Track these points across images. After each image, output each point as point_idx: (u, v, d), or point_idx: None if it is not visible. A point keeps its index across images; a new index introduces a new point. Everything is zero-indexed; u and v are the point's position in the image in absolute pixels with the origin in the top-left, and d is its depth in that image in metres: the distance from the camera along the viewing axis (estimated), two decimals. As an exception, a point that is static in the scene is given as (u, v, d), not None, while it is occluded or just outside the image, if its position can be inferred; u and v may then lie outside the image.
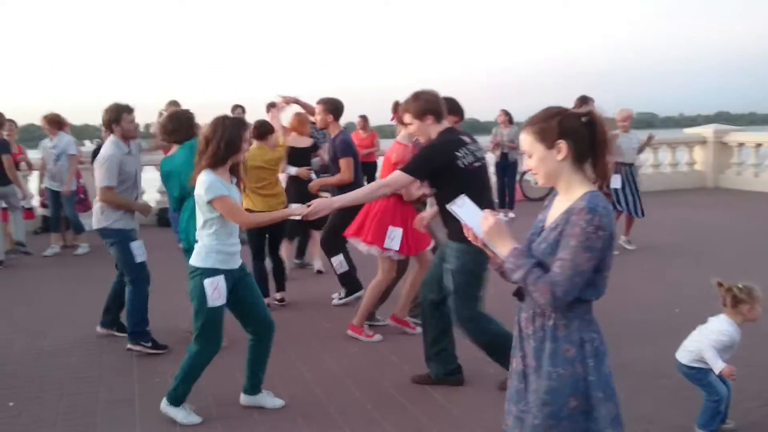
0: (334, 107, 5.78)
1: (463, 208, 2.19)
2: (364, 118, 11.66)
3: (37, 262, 8.13)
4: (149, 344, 4.86)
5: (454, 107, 4.70)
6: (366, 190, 4.14)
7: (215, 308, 3.61)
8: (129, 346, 4.87)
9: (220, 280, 3.58)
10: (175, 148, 4.87)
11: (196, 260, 3.62)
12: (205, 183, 3.56)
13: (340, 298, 6.02)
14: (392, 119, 5.45)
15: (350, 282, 5.96)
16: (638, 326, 5.19)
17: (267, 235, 5.90)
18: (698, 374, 3.39)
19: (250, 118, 7.94)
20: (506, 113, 11.29)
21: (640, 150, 8.23)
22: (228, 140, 3.60)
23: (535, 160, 2.11)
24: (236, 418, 3.82)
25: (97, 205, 4.92)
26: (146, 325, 4.90)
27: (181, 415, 3.75)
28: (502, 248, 2.10)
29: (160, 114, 8.90)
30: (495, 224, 2.11)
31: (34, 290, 6.79)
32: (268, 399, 3.96)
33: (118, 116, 4.93)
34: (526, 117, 2.20)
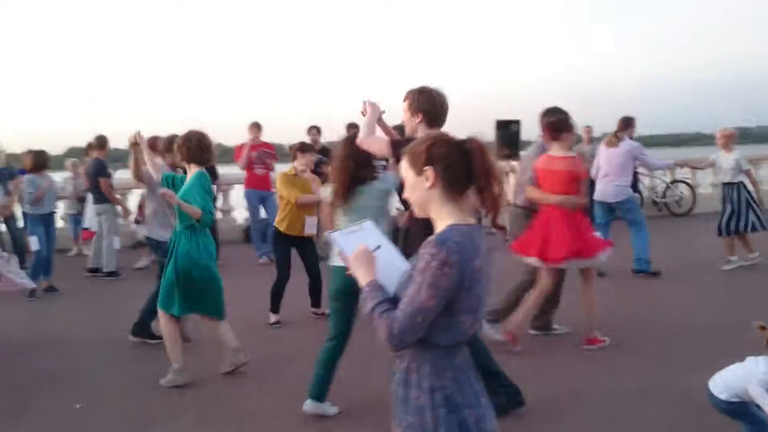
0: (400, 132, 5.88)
1: (351, 235, 2.12)
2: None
3: (128, 274, 8.67)
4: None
5: (562, 125, 4.99)
6: None
7: None
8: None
9: None
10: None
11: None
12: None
13: None
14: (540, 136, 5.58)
15: None
16: (705, 349, 4.98)
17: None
18: (739, 408, 3.25)
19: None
20: (589, 129, 11.03)
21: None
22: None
23: (407, 186, 2.02)
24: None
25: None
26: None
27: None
28: (362, 279, 1.98)
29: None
30: (360, 254, 2.01)
31: (117, 300, 7.27)
32: (329, 408, 4.10)
33: (170, 146, 5.42)
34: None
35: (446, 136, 2.02)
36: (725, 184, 7.77)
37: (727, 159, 7.70)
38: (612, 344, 5.27)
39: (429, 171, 1.94)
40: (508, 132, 11.27)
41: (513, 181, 12.54)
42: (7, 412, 4.34)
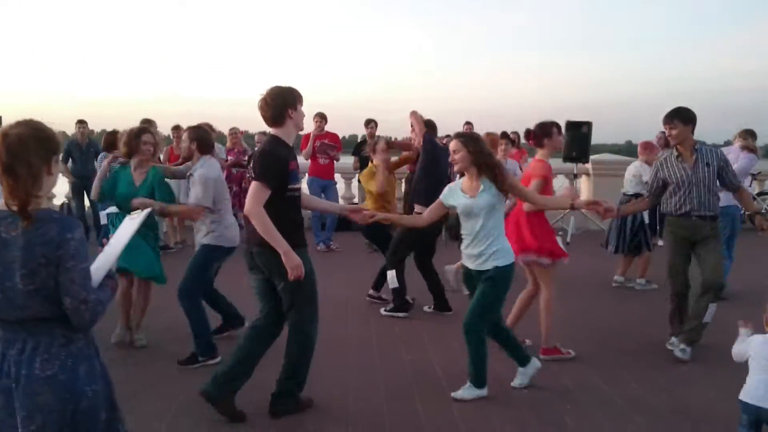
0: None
1: (129, 220, 2.43)
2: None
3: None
4: None
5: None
6: None
7: None
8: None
9: None
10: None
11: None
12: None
13: (386, 310, 6.15)
14: (530, 143, 5.50)
15: (400, 300, 6.08)
16: (724, 371, 4.75)
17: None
18: None
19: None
20: (665, 135, 10.59)
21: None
22: None
23: None
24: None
25: None
26: None
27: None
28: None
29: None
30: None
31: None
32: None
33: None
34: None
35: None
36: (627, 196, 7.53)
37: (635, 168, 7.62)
38: (627, 352, 5.17)
39: None
40: (578, 134, 11.05)
41: (585, 185, 12.30)
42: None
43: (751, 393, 3.21)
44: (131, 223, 2.40)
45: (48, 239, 2.05)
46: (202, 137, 4.97)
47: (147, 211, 2.54)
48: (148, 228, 5.01)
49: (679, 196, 5.05)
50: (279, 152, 3.72)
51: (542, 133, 5.03)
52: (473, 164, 4.09)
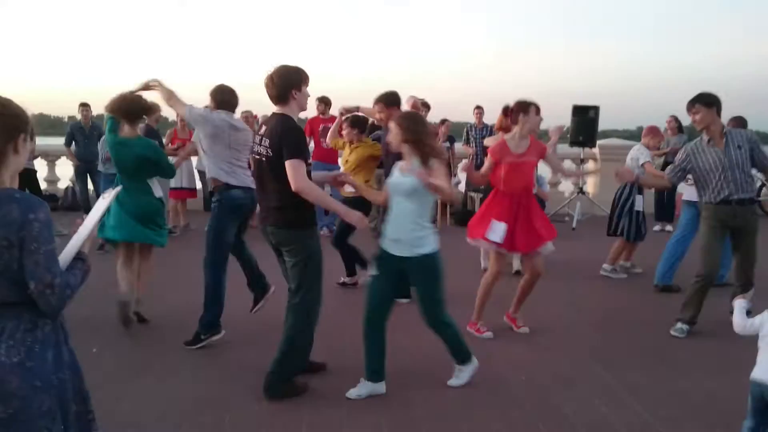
0: (391, 100, 5.85)
1: (102, 200, 2.32)
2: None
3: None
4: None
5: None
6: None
7: None
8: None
9: None
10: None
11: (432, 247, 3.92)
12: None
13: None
14: (508, 121, 5.45)
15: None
16: (725, 357, 4.71)
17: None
18: None
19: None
20: (676, 119, 10.46)
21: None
22: None
23: None
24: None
25: None
26: None
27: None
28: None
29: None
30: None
31: (177, 255, 7.65)
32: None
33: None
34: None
35: None
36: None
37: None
38: (628, 340, 5.11)
39: None
40: (585, 118, 10.92)
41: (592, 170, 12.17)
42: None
43: (759, 370, 3.09)
44: (102, 203, 2.33)
45: (10, 220, 1.93)
46: (219, 92, 4.94)
47: (118, 189, 2.47)
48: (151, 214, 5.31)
49: (716, 181, 4.99)
50: (299, 128, 3.83)
51: (519, 109, 4.96)
52: (404, 142, 3.92)
